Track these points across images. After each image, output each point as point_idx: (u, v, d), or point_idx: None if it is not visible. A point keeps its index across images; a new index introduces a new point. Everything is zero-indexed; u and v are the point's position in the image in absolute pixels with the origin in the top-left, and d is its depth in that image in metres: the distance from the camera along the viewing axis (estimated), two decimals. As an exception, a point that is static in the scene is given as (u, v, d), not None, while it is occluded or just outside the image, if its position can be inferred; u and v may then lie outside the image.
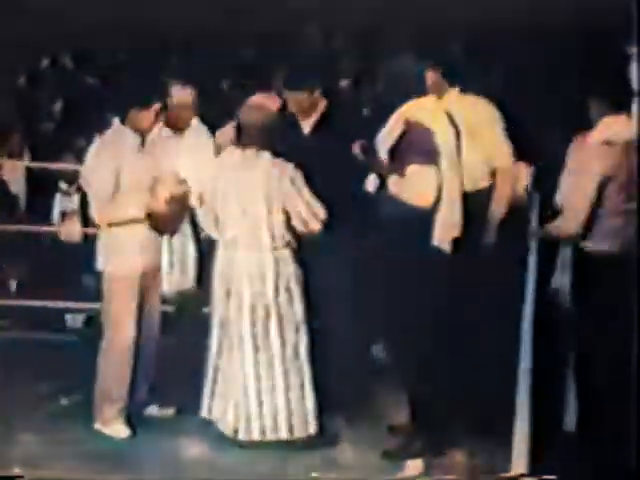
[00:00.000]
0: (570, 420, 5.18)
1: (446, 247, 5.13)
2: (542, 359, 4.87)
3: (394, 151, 5.16)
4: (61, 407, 5.82)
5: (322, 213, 5.19)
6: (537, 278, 5.29)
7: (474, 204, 5.30)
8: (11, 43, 8.30)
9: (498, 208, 5.60)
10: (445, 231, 5.14)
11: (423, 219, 5.06)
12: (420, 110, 5.19)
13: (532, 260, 5.41)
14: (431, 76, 5.45)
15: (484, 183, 5.58)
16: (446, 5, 8.50)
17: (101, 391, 5.45)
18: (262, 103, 5.50)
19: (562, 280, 5.23)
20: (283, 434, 5.21)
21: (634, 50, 6.28)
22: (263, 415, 5.19)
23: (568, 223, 5.04)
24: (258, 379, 5.18)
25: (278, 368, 5.18)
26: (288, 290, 5.21)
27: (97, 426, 5.45)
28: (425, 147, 5.10)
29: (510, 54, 7.64)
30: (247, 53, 9.19)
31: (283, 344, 5.19)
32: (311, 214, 5.18)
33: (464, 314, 5.16)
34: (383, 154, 5.17)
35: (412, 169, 5.08)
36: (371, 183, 5.16)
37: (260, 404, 5.19)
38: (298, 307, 5.23)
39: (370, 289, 5.19)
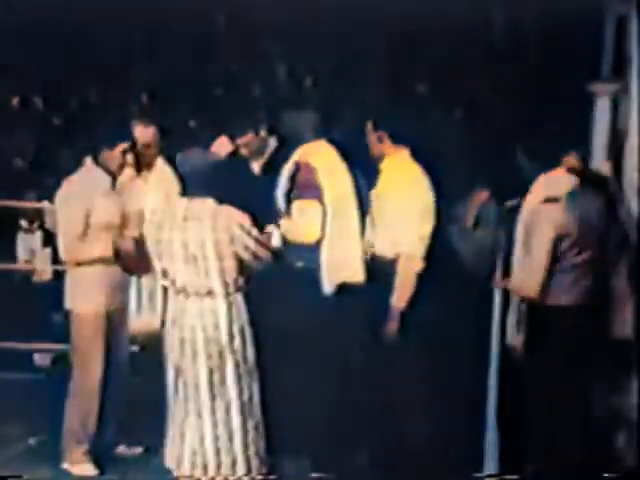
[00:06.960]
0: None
1: (329, 289, 5.05)
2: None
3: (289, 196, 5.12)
4: (28, 447, 5.81)
5: (273, 242, 5.05)
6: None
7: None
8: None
9: (398, 303, 5.07)
10: (330, 273, 5.07)
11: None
12: (310, 151, 5.16)
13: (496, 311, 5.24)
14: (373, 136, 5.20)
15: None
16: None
17: (69, 430, 5.44)
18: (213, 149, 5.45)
19: (517, 333, 5.11)
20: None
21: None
22: (221, 463, 5.04)
23: (527, 285, 4.92)
24: (215, 426, 5.01)
25: (235, 415, 5.03)
26: (242, 335, 5.05)
27: (65, 466, 5.44)
28: (308, 183, 5.05)
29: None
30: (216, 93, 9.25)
31: (240, 391, 5.05)
32: (260, 245, 4.97)
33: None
34: (280, 201, 5.13)
35: (295, 205, 5.06)
36: (275, 237, 5.02)
37: (217, 452, 5.04)
38: (251, 351, 5.06)
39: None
